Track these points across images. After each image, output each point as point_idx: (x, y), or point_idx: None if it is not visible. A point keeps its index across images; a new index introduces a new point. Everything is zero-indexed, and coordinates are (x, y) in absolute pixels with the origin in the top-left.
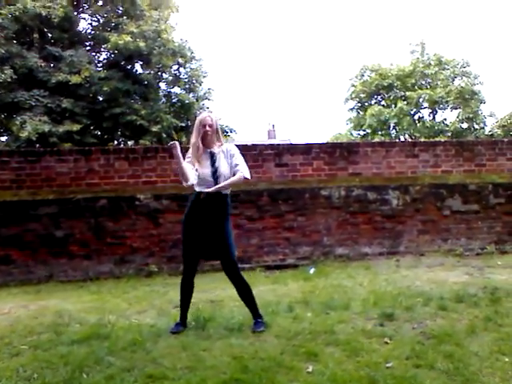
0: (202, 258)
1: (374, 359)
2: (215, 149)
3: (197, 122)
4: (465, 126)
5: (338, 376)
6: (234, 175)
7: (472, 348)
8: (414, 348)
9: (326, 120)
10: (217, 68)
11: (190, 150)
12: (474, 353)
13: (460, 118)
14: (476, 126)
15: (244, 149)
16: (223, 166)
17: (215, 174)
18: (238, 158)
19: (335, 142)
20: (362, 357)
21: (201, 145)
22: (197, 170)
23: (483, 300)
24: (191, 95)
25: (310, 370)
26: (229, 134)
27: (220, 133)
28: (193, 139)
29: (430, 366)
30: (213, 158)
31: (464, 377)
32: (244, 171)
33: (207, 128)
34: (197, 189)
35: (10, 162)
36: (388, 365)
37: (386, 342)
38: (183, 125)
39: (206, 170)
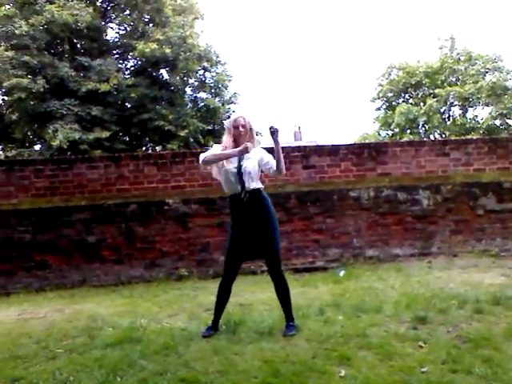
0: (247, 260)
1: (408, 363)
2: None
3: (230, 122)
4: (498, 122)
5: (371, 380)
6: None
7: (511, 352)
8: (449, 352)
9: (352, 120)
10: (242, 71)
11: (220, 149)
12: None
13: (492, 114)
14: (510, 123)
15: (270, 151)
16: (249, 165)
17: (240, 171)
18: (270, 156)
19: (363, 142)
20: (396, 361)
21: (232, 144)
22: (223, 168)
23: None
24: (217, 99)
25: (342, 374)
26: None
27: (254, 135)
28: (225, 139)
29: (468, 370)
30: (241, 156)
31: (503, 382)
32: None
33: (240, 128)
34: (226, 190)
35: (44, 169)
36: (423, 369)
37: (421, 346)
38: (210, 128)
39: (231, 166)
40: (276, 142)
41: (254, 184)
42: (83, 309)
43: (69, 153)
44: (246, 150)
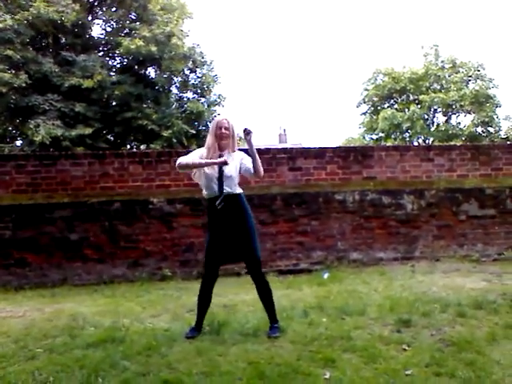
0: (226, 263)
1: (393, 366)
2: (227, 153)
3: (213, 124)
4: (480, 130)
5: (356, 383)
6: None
7: (493, 356)
8: (433, 355)
9: (337, 124)
10: (228, 74)
11: (204, 152)
12: (495, 361)
13: (475, 122)
14: (491, 130)
15: (257, 153)
16: (230, 170)
17: (221, 176)
18: (249, 159)
19: (349, 145)
20: (380, 364)
21: (216, 147)
22: (204, 172)
23: (503, 307)
24: (202, 101)
25: (327, 376)
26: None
27: (235, 139)
28: (208, 141)
29: (451, 374)
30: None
31: None
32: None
33: (223, 130)
34: (205, 193)
35: (26, 165)
36: (407, 372)
37: (405, 349)
38: (194, 132)
39: (212, 171)
40: (250, 143)
41: (234, 188)
42: (64, 308)
43: (51, 149)
44: (225, 163)
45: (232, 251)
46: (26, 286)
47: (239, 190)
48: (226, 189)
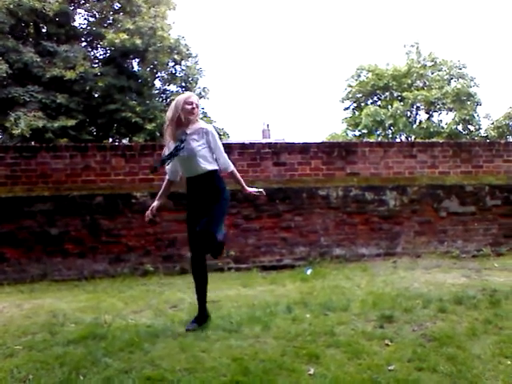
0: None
1: (376, 361)
2: (191, 128)
3: (180, 99)
4: (460, 127)
5: (340, 379)
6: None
7: (474, 351)
8: (415, 350)
9: (321, 120)
10: (212, 67)
11: (167, 130)
12: (476, 355)
13: (456, 119)
14: (471, 128)
15: (241, 147)
16: (192, 144)
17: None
18: (220, 149)
19: (333, 141)
20: (364, 359)
21: (183, 122)
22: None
23: (482, 302)
24: None
25: (311, 372)
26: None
27: (198, 115)
28: (170, 116)
29: (433, 368)
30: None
31: (467, 380)
32: (228, 165)
33: (194, 106)
34: (184, 175)
35: (5, 157)
36: (390, 367)
37: (387, 344)
38: None
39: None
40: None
41: (207, 165)
42: (43, 304)
43: (32, 142)
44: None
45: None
46: (4, 282)
47: (212, 168)
48: (201, 165)
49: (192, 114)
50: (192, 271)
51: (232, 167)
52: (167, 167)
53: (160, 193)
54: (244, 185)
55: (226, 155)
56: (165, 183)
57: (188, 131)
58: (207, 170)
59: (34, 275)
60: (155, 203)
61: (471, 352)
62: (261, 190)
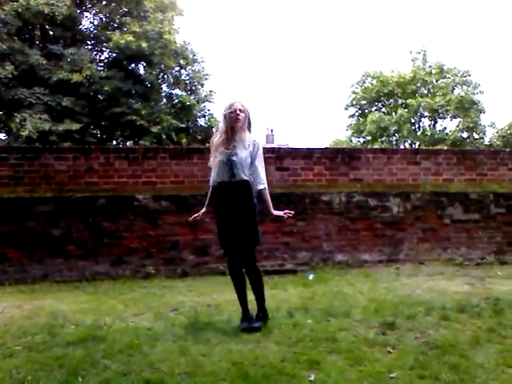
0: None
1: (377, 369)
2: (238, 137)
3: (225, 107)
4: (465, 135)
5: None
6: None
7: (477, 360)
8: (417, 358)
9: (325, 126)
10: (218, 71)
11: (217, 139)
12: (479, 364)
13: (460, 127)
14: (476, 136)
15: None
16: (239, 154)
17: (229, 161)
18: (259, 164)
19: (337, 147)
20: (365, 366)
21: (229, 132)
22: (216, 157)
23: (486, 311)
24: (192, 97)
25: (311, 378)
26: None
27: (250, 123)
28: (220, 125)
29: (435, 377)
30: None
31: None
32: (261, 182)
33: (238, 112)
34: (215, 178)
35: (9, 158)
36: (392, 375)
37: (389, 352)
38: (183, 126)
39: (222, 156)
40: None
41: (243, 175)
42: (44, 305)
43: (37, 143)
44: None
45: (237, 232)
46: (5, 282)
47: (247, 178)
48: (237, 174)
49: (238, 120)
50: (232, 280)
51: (265, 185)
52: (212, 175)
53: (207, 201)
54: (271, 206)
55: (264, 172)
56: (210, 191)
57: (237, 138)
58: (244, 179)
59: (36, 276)
60: (204, 209)
61: (474, 361)
62: (287, 211)
